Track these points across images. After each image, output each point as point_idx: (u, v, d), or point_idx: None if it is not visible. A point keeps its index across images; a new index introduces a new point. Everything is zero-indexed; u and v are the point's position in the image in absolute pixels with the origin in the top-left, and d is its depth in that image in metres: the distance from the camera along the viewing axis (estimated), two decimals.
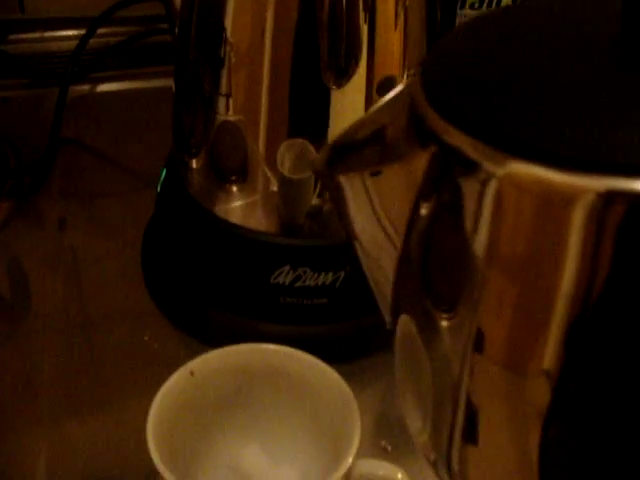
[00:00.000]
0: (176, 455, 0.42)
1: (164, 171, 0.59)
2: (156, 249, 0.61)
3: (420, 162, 0.23)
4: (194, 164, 0.55)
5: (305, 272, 0.52)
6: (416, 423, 0.30)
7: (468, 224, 0.22)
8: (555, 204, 0.20)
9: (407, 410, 0.30)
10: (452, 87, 0.23)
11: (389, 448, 0.51)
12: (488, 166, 0.21)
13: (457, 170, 0.22)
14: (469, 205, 0.22)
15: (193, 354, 0.51)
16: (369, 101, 0.50)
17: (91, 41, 0.76)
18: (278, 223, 0.53)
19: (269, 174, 0.51)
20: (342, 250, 0.52)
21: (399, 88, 0.27)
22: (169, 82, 0.79)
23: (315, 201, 0.52)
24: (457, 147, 0.22)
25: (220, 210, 0.54)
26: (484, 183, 0.21)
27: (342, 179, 0.27)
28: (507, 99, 0.22)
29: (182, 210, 0.56)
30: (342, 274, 0.52)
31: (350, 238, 0.29)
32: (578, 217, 0.20)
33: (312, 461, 0.46)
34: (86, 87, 0.81)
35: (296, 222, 0.53)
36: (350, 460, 0.40)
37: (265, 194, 0.53)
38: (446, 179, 0.23)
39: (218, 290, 0.55)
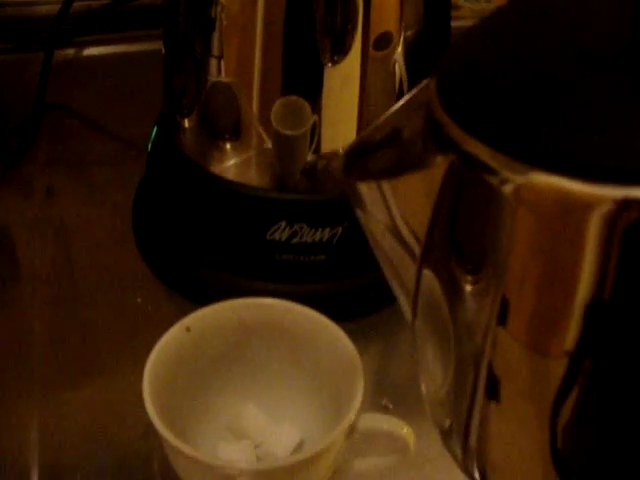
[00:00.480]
0: (172, 413, 0.40)
1: (154, 130, 0.57)
2: (147, 210, 0.59)
3: (438, 167, 0.24)
4: (186, 123, 0.54)
5: (302, 228, 0.50)
6: (433, 390, 0.29)
7: (488, 229, 0.23)
8: (573, 211, 0.20)
9: (424, 377, 0.29)
10: (467, 93, 0.23)
11: (390, 406, 0.49)
12: (506, 174, 0.21)
13: (476, 177, 0.22)
14: (488, 211, 0.22)
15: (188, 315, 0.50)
16: (365, 60, 0.48)
17: (75, 4, 0.73)
18: (273, 180, 0.52)
19: (263, 132, 0.50)
20: (339, 206, 0.52)
21: (414, 91, 0.27)
22: (155, 45, 0.77)
23: (310, 157, 0.51)
24: (475, 156, 0.22)
25: (214, 167, 0.52)
26: (502, 190, 0.21)
27: (360, 185, 0.27)
28: (523, 106, 0.22)
29: (174, 168, 0.54)
30: (340, 230, 0.51)
31: (371, 242, 0.29)
32: (595, 224, 0.20)
33: (312, 418, 0.45)
34: (71, 51, 0.79)
35: (291, 179, 0.52)
36: (353, 415, 0.39)
37: (259, 151, 0.51)
38: (465, 184, 0.23)
39: (212, 249, 0.53)
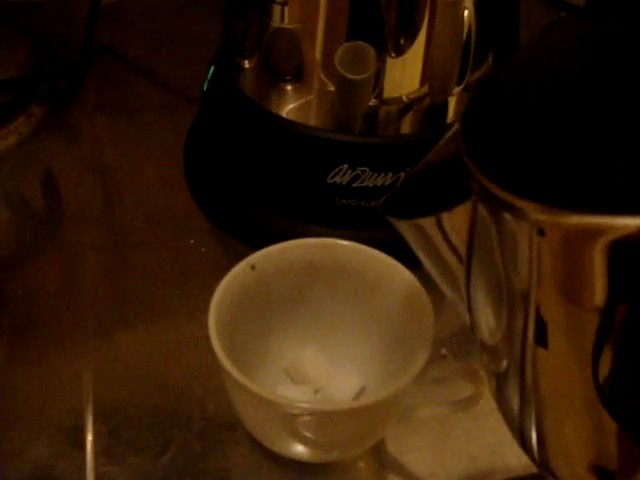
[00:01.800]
0: (234, 352, 0.39)
1: (211, 69, 0.56)
2: (201, 152, 0.58)
3: (468, 206, 0.26)
4: (246, 64, 0.53)
5: (364, 172, 0.49)
6: (488, 336, 0.30)
7: (511, 263, 0.25)
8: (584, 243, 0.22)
9: (479, 325, 0.30)
10: (490, 141, 0.25)
11: (450, 356, 0.48)
12: (530, 215, 0.23)
13: (499, 216, 0.24)
14: (513, 245, 0.24)
15: (242, 258, 0.49)
16: (433, 6, 0.47)
17: None
18: (334, 123, 0.51)
19: (325, 76, 0.49)
20: (403, 150, 0.50)
21: (447, 136, 0.30)
22: None
23: (373, 102, 0.49)
24: (498, 199, 0.24)
25: (274, 108, 0.51)
26: (523, 227, 0.24)
27: (398, 223, 0.31)
28: (544, 152, 0.24)
29: (232, 108, 0.53)
30: (402, 175, 0.50)
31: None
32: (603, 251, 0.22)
33: (376, 364, 0.44)
34: None
35: (353, 123, 0.50)
36: (422, 362, 0.38)
37: (321, 94, 0.50)
38: (491, 221, 0.25)
39: (269, 192, 0.52)
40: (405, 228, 0.31)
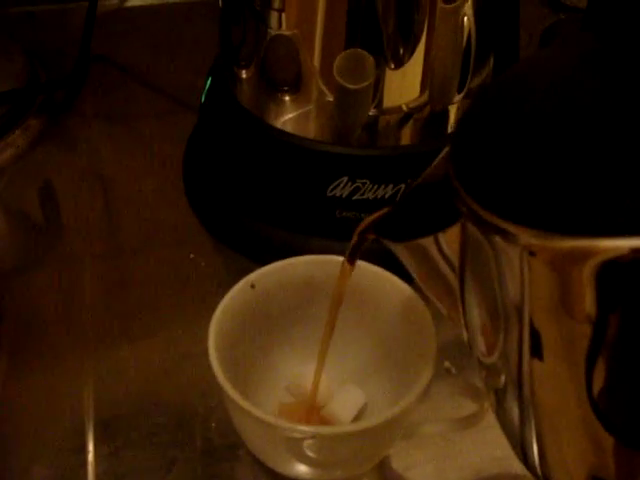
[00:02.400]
0: (234, 372, 0.39)
1: (209, 80, 0.55)
2: (200, 164, 0.57)
3: (459, 226, 0.26)
4: (243, 74, 0.52)
5: (364, 184, 0.49)
6: (486, 354, 0.30)
7: (503, 280, 0.25)
8: (572, 265, 0.23)
9: (477, 344, 0.30)
10: (479, 165, 0.26)
11: (453, 370, 0.48)
12: (521, 239, 0.23)
13: (489, 237, 0.24)
14: (504, 264, 0.25)
15: (241, 272, 0.48)
16: (433, 13, 0.46)
17: None
18: (332, 134, 0.50)
19: (324, 85, 0.48)
20: (403, 162, 0.50)
21: (437, 160, 0.30)
22: None
23: (372, 112, 0.49)
24: (488, 223, 0.24)
25: (272, 119, 0.50)
26: (514, 249, 0.24)
27: (392, 245, 0.31)
28: (533, 175, 0.24)
29: (231, 119, 0.52)
30: (403, 187, 0.49)
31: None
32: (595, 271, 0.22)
33: (378, 381, 0.43)
34: (115, 1, 0.77)
35: (352, 133, 0.50)
36: (426, 380, 0.37)
37: (319, 104, 0.50)
38: (482, 242, 0.25)
39: (268, 204, 0.52)
40: (400, 250, 0.31)
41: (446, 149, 0.28)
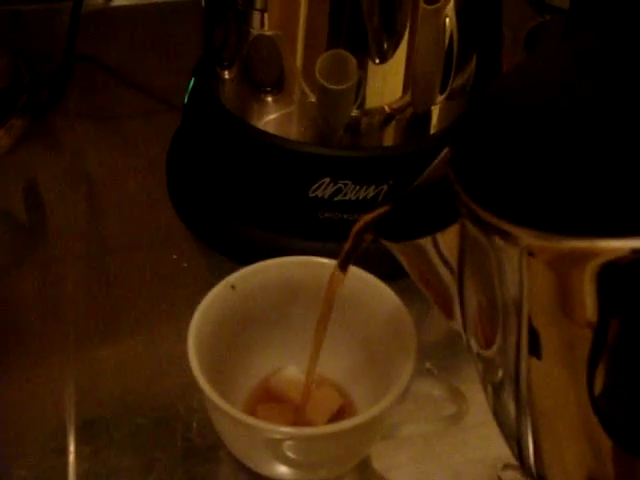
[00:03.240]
0: (214, 373, 0.39)
1: (192, 81, 0.55)
2: (183, 165, 0.57)
3: (458, 226, 0.27)
4: (226, 75, 0.52)
5: (346, 185, 0.49)
6: (483, 349, 0.30)
7: (502, 279, 0.25)
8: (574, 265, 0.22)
9: (475, 338, 0.30)
10: (479, 167, 0.26)
11: (435, 371, 0.48)
12: (522, 240, 0.23)
13: (489, 238, 0.25)
14: (502, 263, 0.25)
15: (224, 273, 0.48)
16: (415, 14, 0.46)
17: None
18: (314, 135, 0.50)
19: (306, 86, 0.48)
20: (386, 163, 0.50)
21: (436, 161, 0.29)
22: None
23: (355, 112, 0.49)
24: (489, 224, 0.24)
25: (255, 120, 0.50)
26: (514, 249, 0.24)
27: (391, 245, 0.31)
28: (533, 176, 0.24)
29: (213, 121, 0.52)
30: (385, 188, 0.49)
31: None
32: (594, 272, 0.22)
33: (358, 382, 0.43)
34: (100, 1, 0.77)
35: (334, 134, 0.50)
36: (405, 381, 0.37)
37: (302, 105, 0.50)
38: (481, 241, 0.25)
39: (252, 206, 0.52)
40: (399, 250, 0.31)
41: (445, 151, 0.29)
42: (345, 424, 0.37)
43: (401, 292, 0.51)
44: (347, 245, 0.36)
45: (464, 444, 0.45)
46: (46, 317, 0.51)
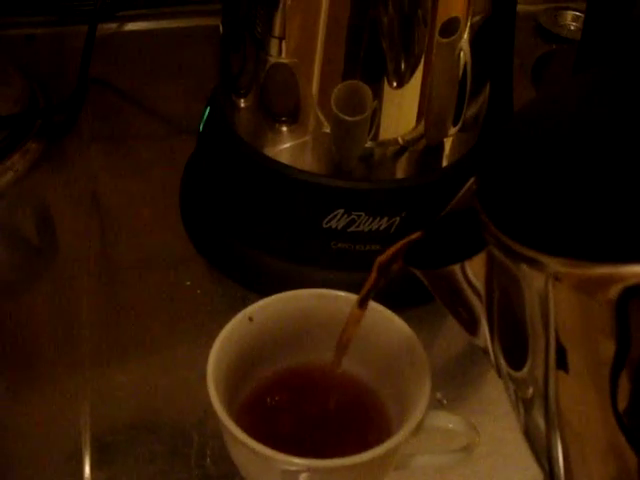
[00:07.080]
0: (231, 402, 0.40)
1: (207, 109, 0.56)
2: (197, 191, 0.58)
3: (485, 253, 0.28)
4: (241, 104, 0.53)
5: (359, 216, 0.49)
6: (514, 370, 0.30)
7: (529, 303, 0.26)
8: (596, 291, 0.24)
9: (504, 360, 0.31)
10: (505, 198, 0.27)
11: (445, 401, 0.49)
12: (550, 268, 0.24)
13: (516, 265, 0.26)
14: (529, 288, 0.26)
15: (237, 300, 0.49)
16: (430, 46, 0.47)
17: None
18: (328, 165, 0.51)
19: (322, 116, 0.49)
20: (399, 195, 0.51)
21: (462, 192, 0.31)
22: (202, 21, 0.76)
23: (369, 144, 0.50)
24: (517, 253, 0.25)
25: (269, 150, 0.51)
26: (541, 275, 0.25)
27: (423, 274, 0.32)
28: (559, 205, 0.25)
29: (228, 149, 0.53)
30: (397, 220, 0.50)
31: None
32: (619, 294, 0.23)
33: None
34: (113, 26, 0.78)
35: (348, 165, 0.51)
36: (421, 414, 0.38)
37: (317, 135, 0.50)
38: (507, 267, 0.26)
39: (266, 235, 0.53)
40: (429, 278, 0.32)
41: (470, 182, 0.30)
42: (359, 457, 0.37)
43: (411, 319, 0.52)
44: (371, 279, 0.36)
45: (475, 474, 0.46)
46: (59, 341, 0.52)
